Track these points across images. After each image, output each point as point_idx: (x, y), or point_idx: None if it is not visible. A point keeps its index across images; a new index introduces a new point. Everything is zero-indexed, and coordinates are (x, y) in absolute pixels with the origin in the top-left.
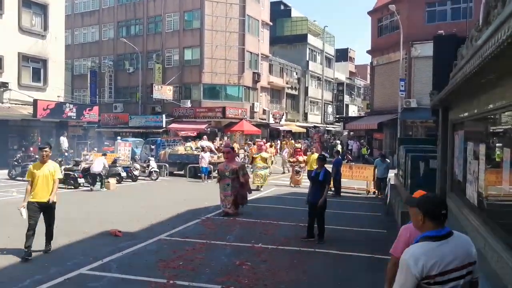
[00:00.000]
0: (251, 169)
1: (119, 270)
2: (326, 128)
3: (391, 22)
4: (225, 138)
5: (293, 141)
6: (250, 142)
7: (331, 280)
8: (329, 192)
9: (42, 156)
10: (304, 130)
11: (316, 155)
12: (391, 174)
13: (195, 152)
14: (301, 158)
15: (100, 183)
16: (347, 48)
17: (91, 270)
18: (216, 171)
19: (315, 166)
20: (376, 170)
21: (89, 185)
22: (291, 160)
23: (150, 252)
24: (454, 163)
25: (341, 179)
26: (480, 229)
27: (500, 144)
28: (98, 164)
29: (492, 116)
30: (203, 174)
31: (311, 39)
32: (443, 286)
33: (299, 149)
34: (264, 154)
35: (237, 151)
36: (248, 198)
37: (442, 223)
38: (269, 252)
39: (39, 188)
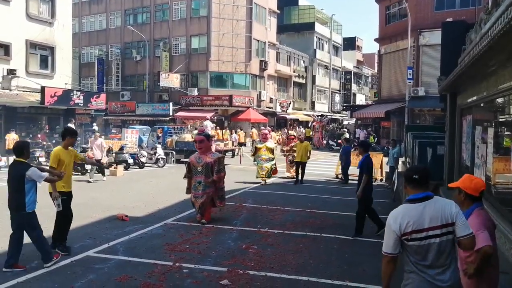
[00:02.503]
0: (254, 161)
1: (126, 253)
2: (332, 117)
3: (399, 9)
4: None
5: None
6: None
7: (337, 264)
8: (337, 179)
9: (74, 143)
10: (311, 119)
11: (306, 144)
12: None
13: None
14: None
15: (99, 171)
16: (355, 37)
17: (97, 253)
18: (186, 165)
19: (301, 158)
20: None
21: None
22: (284, 149)
23: (156, 236)
24: (462, 148)
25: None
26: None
27: (510, 127)
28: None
29: (501, 99)
30: None
31: (318, 27)
32: (420, 242)
33: (292, 136)
34: (269, 144)
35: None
36: (254, 186)
37: (418, 187)
38: (275, 236)
39: (69, 176)
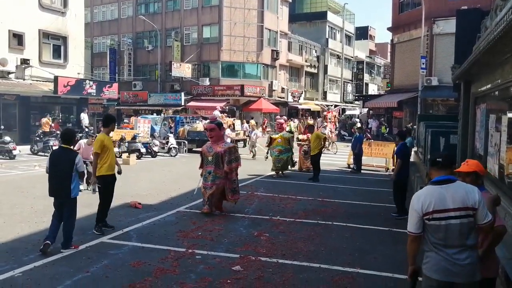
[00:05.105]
0: (268, 152)
1: (139, 239)
2: (342, 107)
3: None
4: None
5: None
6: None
7: (348, 252)
8: (349, 169)
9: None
10: (320, 109)
11: (316, 133)
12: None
13: None
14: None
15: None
16: (367, 26)
17: (112, 239)
18: (200, 154)
19: (316, 150)
20: None
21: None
22: (300, 137)
23: (169, 223)
24: (475, 137)
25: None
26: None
27: None
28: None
29: None
30: None
31: (331, 16)
32: (440, 222)
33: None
34: (285, 135)
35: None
36: (266, 175)
37: (441, 169)
38: (287, 224)
39: (113, 160)
